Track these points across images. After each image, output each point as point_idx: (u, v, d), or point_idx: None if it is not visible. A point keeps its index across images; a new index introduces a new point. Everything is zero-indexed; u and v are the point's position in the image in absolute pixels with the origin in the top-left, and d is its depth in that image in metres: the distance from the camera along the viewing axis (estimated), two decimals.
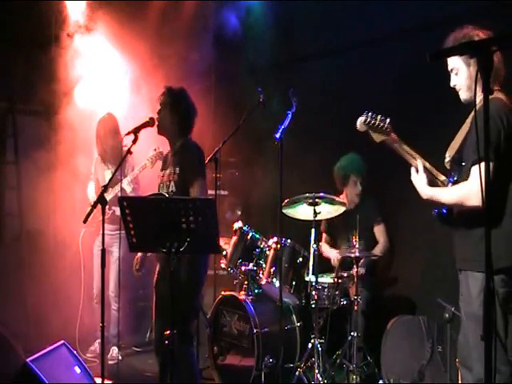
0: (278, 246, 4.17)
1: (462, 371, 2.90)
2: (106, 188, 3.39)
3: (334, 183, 4.89)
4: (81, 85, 5.44)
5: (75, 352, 3.77)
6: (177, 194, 3.52)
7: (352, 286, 4.45)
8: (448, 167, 2.88)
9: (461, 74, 2.79)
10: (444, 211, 2.86)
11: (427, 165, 2.87)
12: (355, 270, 4.25)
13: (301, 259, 4.42)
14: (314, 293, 4.16)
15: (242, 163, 6.00)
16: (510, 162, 2.63)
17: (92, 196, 5.05)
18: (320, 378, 4.00)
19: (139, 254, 3.77)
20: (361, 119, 2.80)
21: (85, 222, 3.39)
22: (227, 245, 4.54)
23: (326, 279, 4.58)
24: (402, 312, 4.43)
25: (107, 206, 3.62)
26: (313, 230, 4.19)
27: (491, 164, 2.43)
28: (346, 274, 4.49)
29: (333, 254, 4.77)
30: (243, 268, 4.39)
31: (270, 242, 4.42)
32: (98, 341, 4.88)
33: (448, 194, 2.76)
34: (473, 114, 2.68)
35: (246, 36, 5.74)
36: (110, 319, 4.91)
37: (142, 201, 3.02)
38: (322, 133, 5.34)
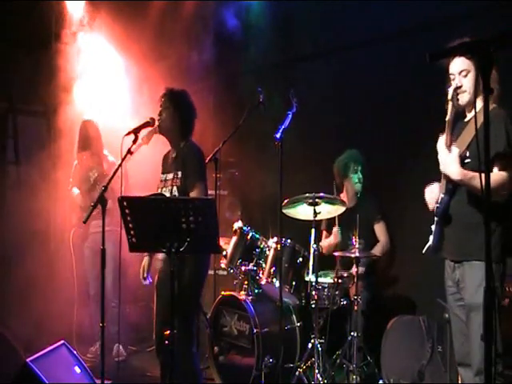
0: (278, 246, 4.16)
1: (460, 372, 2.91)
2: (106, 188, 3.38)
3: (334, 183, 4.89)
4: (81, 85, 5.44)
5: (75, 352, 3.77)
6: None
7: (352, 286, 4.45)
8: None
9: (470, 76, 2.81)
10: (445, 201, 2.86)
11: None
12: (355, 269, 4.26)
13: (301, 259, 4.41)
14: (314, 293, 4.16)
15: (242, 163, 6.00)
16: None
17: (78, 199, 5.10)
18: (320, 378, 4.00)
19: (145, 262, 3.74)
20: (453, 87, 2.85)
21: (85, 222, 3.39)
22: (227, 245, 4.54)
23: (326, 279, 4.58)
24: (402, 312, 4.42)
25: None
26: (313, 230, 4.18)
27: None
28: (346, 274, 4.49)
29: (328, 240, 4.80)
30: (243, 268, 4.39)
31: (270, 242, 4.42)
32: (99, 342, 4.89)
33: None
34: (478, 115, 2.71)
35: (245, 36, 5.74)
36: (111, 317, 4.91)
37: (142, 201, 3.01)
38: (322, 133, 5.34)
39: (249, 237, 4.45)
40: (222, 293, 4.51)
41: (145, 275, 3.73)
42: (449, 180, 2.86)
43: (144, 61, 5.41)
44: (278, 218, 3.80)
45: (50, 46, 5.57)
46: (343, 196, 4.86)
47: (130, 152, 3.49)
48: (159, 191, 3.65)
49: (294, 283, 4.38)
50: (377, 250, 4.69)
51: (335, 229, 4.69)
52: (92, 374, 3.76)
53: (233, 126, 4.70)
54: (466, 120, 2.96)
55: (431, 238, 2.98)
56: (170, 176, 3.62)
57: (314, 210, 4.14)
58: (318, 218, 4.19)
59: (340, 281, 4.44)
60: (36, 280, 5.11)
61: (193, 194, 3.49)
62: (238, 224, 4.52)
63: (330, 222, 4.83)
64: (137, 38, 5.30)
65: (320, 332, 4.26)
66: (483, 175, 2.73)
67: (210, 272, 4.24)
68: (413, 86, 4.62)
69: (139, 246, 2.99)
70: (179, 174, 3.56)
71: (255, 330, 4.14)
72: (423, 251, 3.03)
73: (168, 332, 2.94)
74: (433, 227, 2.96)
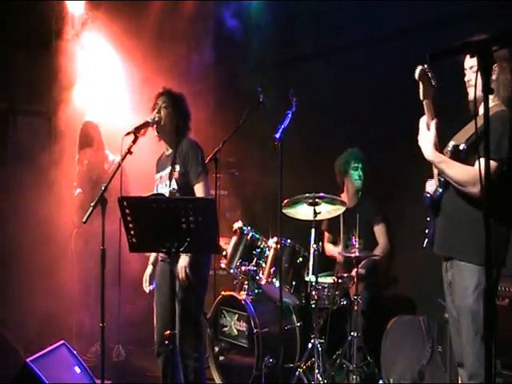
0: (278, 246, 4.16)
1: (460, 372, 2.90)
2: (106, 188, 3.38)
3: (334, 182, 4.90)
4: (81, 84, 5.44)
5: (75, 352, 3.77)
6: (179, 191, 3.54)
7: (352, 286, 4.45)
8: (447, 156, 2.87)
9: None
10: (439, 193, 2.84)
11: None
12: (355, 270, 4.26)
13: (301, 259, 4.41)
14: (314, 293, 4.16)
15: (241, 163, 6.00)
16: None
17: (81, 199, 5.09)
18: (320, 378, 4.00)
19: (148, 271, 3.74)
20: (421, 67, 2.79)
21: (85, 222, 3.39)
22: (227, 245, 4.54)
23: (326, 279, 4.58)
24: (402, 312, 4.42)
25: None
26: (313, 230, 4.18)
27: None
28: (346, 274, 4.49)
29: (332, 250, 4.84)
30: (243, 268, 4.39)
31: (270, 242, 4.41)
32: (99, 343, 4.89)
33: (457, 167, 2.73)
34: (480, 113, 2.70)
35: (245, 36, 5.74)
36: (111, 318, 4.91)
37: (142, 201, 3.01)
38: (322, 132, 5.34)
39: (249, 237, 4.45)
40: (222, 293, 4.52)
41: (147, 284, 3.73)
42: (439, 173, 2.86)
43: (144, 61, 5.41)
44: (278, 218, 3.80)
45: (50, 46, 5.57)
46: (344, 196, 4.86)
47: (129, 152, 3.49)
48: (156, 189, 3.67)
49: (294, 283, 4.37)
50: (376, 252, 4.68)
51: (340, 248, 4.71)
52: (92, 374, 3.76)
53: (233, 126, 4.70)
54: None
55: (427, 230, 2.97)
56: (166, 171, 3.63)
57: (314, 209, 4.14)
58: (318, 218, 4.19)
59: (340, 281, 4.44)
60: (36, 280, 5.11)
61: (197, 187, 3.52)
62: (238, 224, 4.52)
63: (332, 222, 4.84)
64: (137, 37, 5.30)
65: (320, 332, 4.26)
66: (457, 164, 2.74)
67: (210, 272, 4.24)
68: (413, 86, 4.59)
69: (139, 246, 2.99)
70: (177, 167, 3.57)
71: (255, 330, 4.14)
72: (423, 245, 3.02)
73: (167, 332, 2.94)
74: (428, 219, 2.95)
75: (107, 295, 4.85)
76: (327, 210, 4.32)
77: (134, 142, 3.48)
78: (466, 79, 2.88)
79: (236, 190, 5.96)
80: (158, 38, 5.45)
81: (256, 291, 4.45)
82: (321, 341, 4.17)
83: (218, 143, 4.69)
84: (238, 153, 5.71)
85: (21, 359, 3.53)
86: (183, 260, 3.42)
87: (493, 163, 2.61)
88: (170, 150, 3.69)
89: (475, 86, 2.69)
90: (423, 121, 2.90)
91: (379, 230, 4.80)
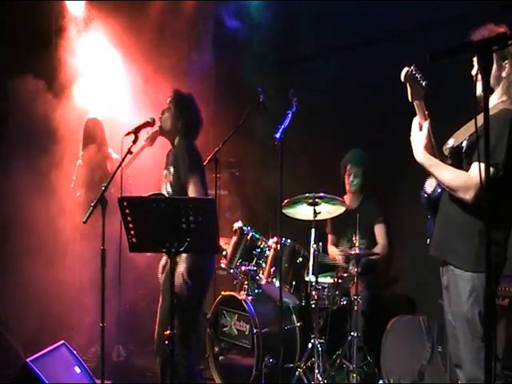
0: (278, 246, 4.17)
1: (458, 373, 2.90)
2: (106, 188, 3.38)
3: (335, 182, 4.90)
4: (81, 84, 5.44)
5: (75, 352, 3.77)
6: (172, 194, 3.48)
7: (352, 286, 4.45)
8: (446, 154, 2.82)
9: (493, 70, 2.74)
10: (437, 193, 2.80)
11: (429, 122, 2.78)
12: (354, 269, 4.26)
13: (301, 259, 4.42)
14: (314, 293, 4.16)
15: (241, 163, 6.00)
16: None
17: (83, 199, 5.08)
18: (320, 378, 4.00)
19: (163, 261, 3.68)
20: (407, 69, 2.71)
21: (85, 222, 3.39)
22: (227, 245, 4.54)
23: (326, 279, 4.59)
24: (402, 312, 4.43)
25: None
26: (313, 230, 4.19)
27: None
28: (345, 274, 4.50)
29: (336, 253, 4.85)
30: (243, 268, 4.39)
31: (270, 241, 4.42)
32: (99, 343, 4.89)
33: (448, 171, 2.66)
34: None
35: (246, 36, 5.74)
36: (111, 318, 4.91)
37: (142, 201, 3.01)
38: (322, 132, 5.34)
39: (249, 237, 4.45)
40: (222, 293, 4.52)
41: (159, 275, 3.70)
42: None
43: (144, 60, 5.41)
44: (278, 218, 3.80)
45: (50, 46, 5.57)
46: (347, 197, 4.87)
47: (129, 152, 3.49)
48: (163, 187, 3.65)
49: (294, 283, 4.38)
50: (375, 251, 4.68)
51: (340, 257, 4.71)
52: (92, 374, 3.76)
53: (233, 126, 4.70)
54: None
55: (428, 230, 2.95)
56: (165, 172, 3.62)
57: (314, 210, 4.14)
58: (318, 217, 4.19)
59: (340, 281, 4.44)
60: (36, 280, 5.10)
61: (190, 188, 3.42)
62: (238, 224, 4.52)
63: (336, 225, 4.85)
64: (137, 37, 5.30)
65: (320, 332, 4.26)
66: (448, 168, 2.68)
67: None
68: None
69: (139, 246, 2.99)
70: (171, 169, 3.52)
71: (255, 330, 4.14)
72: (427, 243, 2.98)
73: (167, 332, 2.94)
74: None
75: (107, 295, 4.89)
76: (327, 210, 4.32)
77: (135, 141, 3.48)
78: (473, 73, 2.76)
79: (236, 190, 5.96)
80: (158, 37, 5.45)
81: (256, 291, 4.45)
82: (321, 341, 4.18)
83: (217, 143, 4.69)
84: (238, 153, 5.71)
85: (21, 359, 3.52)
86: (180, 266, 3.36)
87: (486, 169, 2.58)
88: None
89: (476, 83, 2.68)
90: (416, 121, 2.85)
91: (379, 231, 4.80)
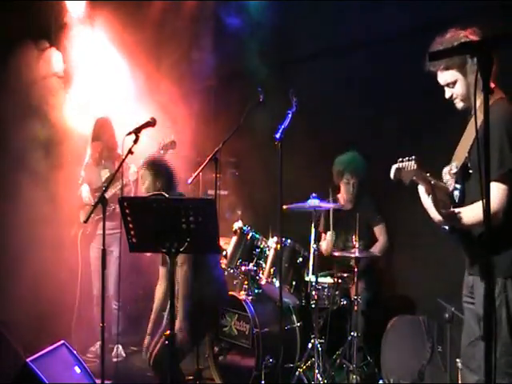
0: (278, 246, 4.17)
1: (464, 371, 2.89)
2: (106, 188, 3.38)
3: (330, 186, 4.88)
4: (81, 83, 5.44)
5: (75, 352, 3.77)
6: None
7: (352, 285, 4.45)
8: (450, 177, 2.78)
9: (458, 85, 2.74)
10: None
11: (433, 182, 2.72)
12: (354, 270, 4.26)
13: (301, 259, 4.42)
14: (313, 293, 4.17)
15: (242, 163, 6.00)
16: None
17: (86, 197, 5.10)
18: (320, 378, 4.00)
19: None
20: (393, 169, 2.70)
21: (85, 221, 3.39)
22: (227, 245, 4.55)
23: (326, 279, 4.59)
24: (402, 312, 4.43)
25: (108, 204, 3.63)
26: (313, 230, 4.19)
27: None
28: (346, 274, 4.50)
29: (323, 243, 4.78)
30: (243, 268, 4.39)
31: (270, 241, 4.42)
32: (99, 342, 4.89)
33: (470, 212, 2.60)
34: (473, 119, 2.64)
35: (246, 36, 5.74)
36: (111, 319, 4.91)
37: (143, 201, 3.02)
38: (322, 133, 5.34)
39: (249, 237, 4.45)
40: None
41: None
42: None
43: (145, 60, 5.41)
44: (278, 218, 3.80)
45: (49, 46, 5.56)
46: (340, 196, 4.86)
47: (130, 152, 3.49)
48: None
49: (294, 283, 4.38)
50: (375, 249, 4.68)
51: (328, 234, 4.67)
52: (92, 374, 3.76)
53: (233, 126, 4.69)
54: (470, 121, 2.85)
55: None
56: None
57: (314, 210, 4.15)
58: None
59: (340, 281, 4.44)
60: (36, 280, 5.10)
61: None
62: (238, 224, 4.53)
63: (328, 224, 4.84)
64: (138, 36, 5.30)
65: (320, 332, 4.26)
66: (465, 210, 2.55)
67: None
68: (413, 86, 4.61)
69: (139, 246, 2.99)
70: None
71: (255, 330, 4.14)
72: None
73: (167, 332, 2.94)
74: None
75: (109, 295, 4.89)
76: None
77: (135, 141, 3.49)
78: (446, 96, 2.77)
79: (236, 190, 5.96)
80: (159, 37, 5.45)
81: (256, 291, 4.45)
82: (321, 341, 4.18)
83: (218, 143, 4.69)
84: (238, 153, 5.71)
85: (21, 359, 3.52)
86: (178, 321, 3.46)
87: (500, 186, 2.51)
88: None
89: (468, 91, 2.66)
90: (421, 189, 2.80)
91: (379, 230, 4.80)
